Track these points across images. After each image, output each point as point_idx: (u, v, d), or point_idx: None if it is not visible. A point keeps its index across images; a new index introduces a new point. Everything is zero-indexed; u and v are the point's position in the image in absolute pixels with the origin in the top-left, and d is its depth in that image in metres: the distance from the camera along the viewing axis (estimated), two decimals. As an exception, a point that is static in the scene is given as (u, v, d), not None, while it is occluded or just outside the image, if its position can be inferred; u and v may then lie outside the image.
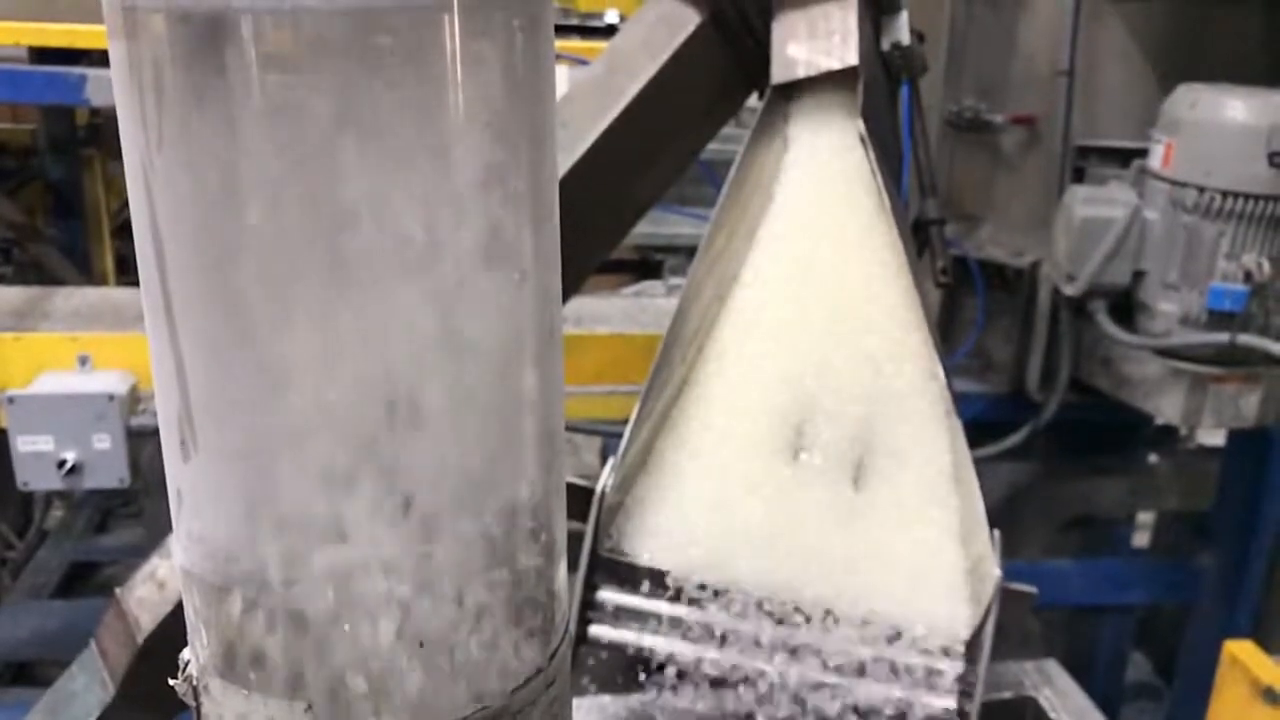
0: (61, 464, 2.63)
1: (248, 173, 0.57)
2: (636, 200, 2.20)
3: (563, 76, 2.75)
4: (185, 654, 0.71)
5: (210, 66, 0.55)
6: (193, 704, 0.70)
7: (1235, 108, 2.68)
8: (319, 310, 0.60)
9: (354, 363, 0.61)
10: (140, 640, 1.73)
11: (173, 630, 1.70)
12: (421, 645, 0.66)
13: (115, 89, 0.59)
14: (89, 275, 4.44)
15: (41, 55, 3.53)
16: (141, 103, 0.57)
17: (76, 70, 3.27)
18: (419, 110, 0.58)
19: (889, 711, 1.53)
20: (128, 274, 4.71)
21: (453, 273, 0.62)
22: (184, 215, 0.59)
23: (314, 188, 0.57)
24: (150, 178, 0.59)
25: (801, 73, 1.79)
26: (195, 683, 0.70)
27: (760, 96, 1.94)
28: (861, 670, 1.55)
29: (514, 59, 0.62)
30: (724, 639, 1.58)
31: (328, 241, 0.59)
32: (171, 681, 0.71)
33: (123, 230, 4.74)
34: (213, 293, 0.60)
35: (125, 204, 4.53)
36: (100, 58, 3.52)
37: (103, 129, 4.51)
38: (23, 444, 2.62)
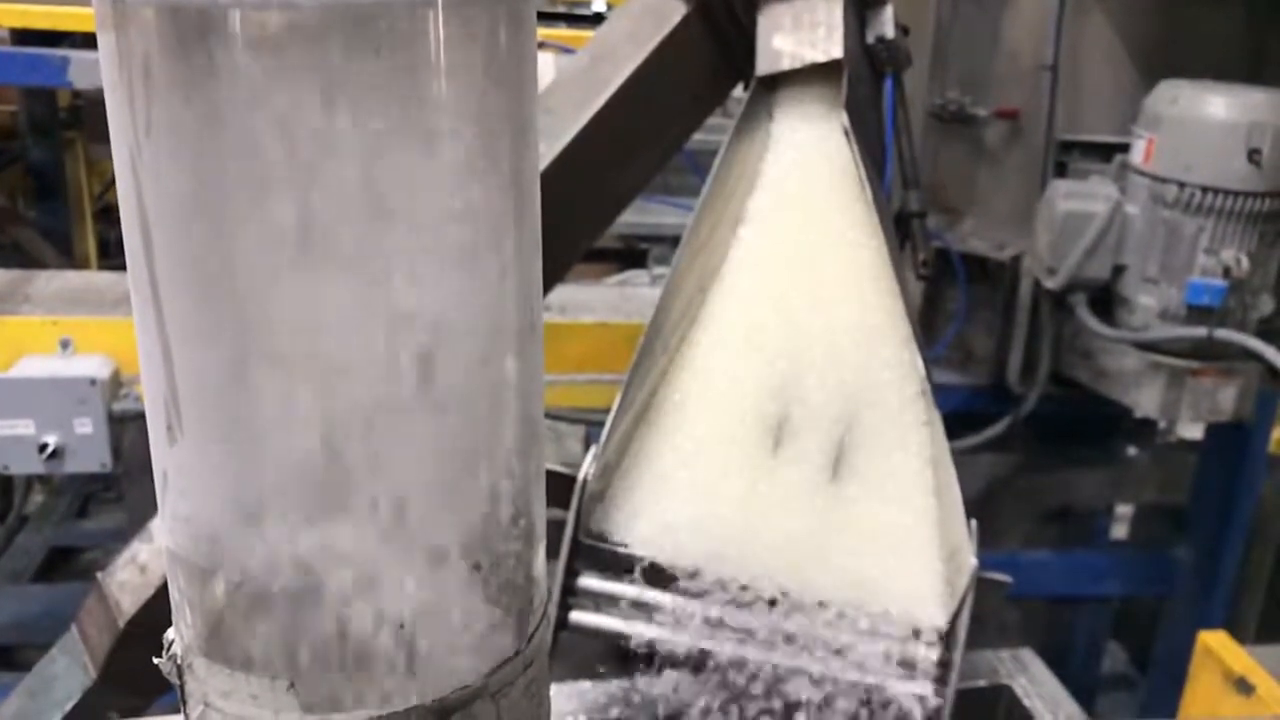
0: (42, 448, 2.62)
1: (235, 162, 0.58)
2: (621, 190, 2.21)
3: (548, 65, 2.75)
4: (169, 634, 0.72)
5: (198, 58, 0.56)
6: (176, 683, 0.71)
7: (1216, 104, 2.70)
8: (303, 297, 0.61)
9: (336, 349, 0.62)
10: (121, 624, 1.73)
11: (154, 614, 1.71)
12: (401, 626, 0.68)
13: (104, 78, 0.60)
14: (70, 258, 4.42)
15: (23, 37, 3.50)
16: (130, 93, 0.58)
17: (59, 52, 3.24)
18: (403, 103, 0.59)
19: (865, 698, 1.55)
20: (110, 257, 4.69)
21: (435, 262, 0.63)
22: (171, 202, 0.60)
23: (299, 177, 0.59)
24: (138, 165, 0.60)
25: (786, 65, 1.80)
26: (179, 662, 0.71)
27: (745, 87, 1.95)
28: (838, 657, 1.57)
29: (497, 53, 0.63)
30: (703, 625, 1.60)
31: (312, 229, 0.60)
32: (155, 660, 0.72)
33: (105, 213, 4.72)
34: (199, 278, 0.61)
35: (107, 187, 4.53)
36: (83, 40, 3.49)
37: (84, 111, 4.48)
38: (3, 427, 2.61)
